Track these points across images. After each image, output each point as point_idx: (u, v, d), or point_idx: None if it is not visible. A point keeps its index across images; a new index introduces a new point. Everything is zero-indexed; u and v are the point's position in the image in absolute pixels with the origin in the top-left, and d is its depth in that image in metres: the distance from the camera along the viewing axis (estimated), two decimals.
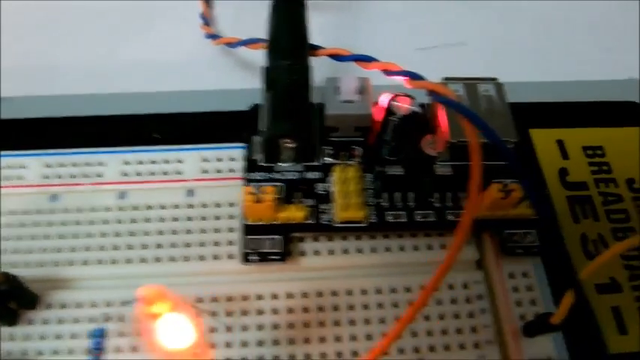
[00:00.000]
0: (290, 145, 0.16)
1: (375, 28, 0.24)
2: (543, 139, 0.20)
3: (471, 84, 0.17)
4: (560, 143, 0.20)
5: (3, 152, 0.18)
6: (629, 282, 0.17)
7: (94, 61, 0.23)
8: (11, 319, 0.15)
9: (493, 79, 0.18)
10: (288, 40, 0.17)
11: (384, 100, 0.16)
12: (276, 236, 0.16)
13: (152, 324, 0.10)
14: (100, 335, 0.15)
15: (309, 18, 0.23)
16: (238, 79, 0.21)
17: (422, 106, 0.17)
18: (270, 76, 0.16)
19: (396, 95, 0.16)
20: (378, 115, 0.16)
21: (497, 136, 0.13)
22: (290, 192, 0.17)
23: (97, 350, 0.15)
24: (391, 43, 0.24)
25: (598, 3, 0.25)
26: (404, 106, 0.16)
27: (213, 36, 0.21)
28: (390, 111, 0.16)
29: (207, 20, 0.23)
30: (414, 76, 0.15)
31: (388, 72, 0.16)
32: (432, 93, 0.14)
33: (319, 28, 0.24)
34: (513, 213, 0.16)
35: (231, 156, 0.18)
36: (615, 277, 0.18)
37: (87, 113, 0.19)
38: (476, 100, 0.17)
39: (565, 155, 0.20)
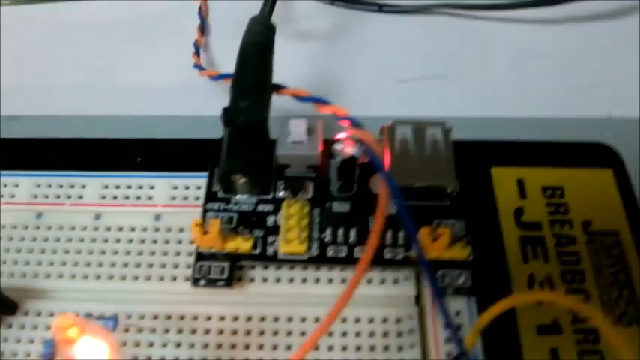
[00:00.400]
0: (243, 180, 0.18)
1: (358, 59, 0.25)
2: (503, 177, 0.21)
3: (419, 127, 0.18)
4: (520, 182, 0.21)
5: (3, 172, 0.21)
6: (572, 325, 0.18)
7: (80, 82, 0.25)
8: None
9: (441, 123, 0.18)
10: (250, 82, 0.18)
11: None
12: (223, 263, 0.18)
13: (70, 349, 0.12)
14: (50, 345, 0.17)
15: (295, 45, 0.24)
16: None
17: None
18: (230, 114, 0.18)
19: (343, 138, 0.17)
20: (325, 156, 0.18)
21: (397, 192, 0.14)
22: (242, 222, 0.18)
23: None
24: (374, 73, 0.25)
25: (577, 36, 0.25)
26: (344, 150, 0.17)
27: (199, 67, 0.23)
28: (331, 154, 0.17)
29: (198, 49, 0.24)
30: (354, 123, 0.17)
31: (336, 116, 0.17)
32: (360, 141, 0.16)
33: (303, 57, 0.25)
34: (446, 255, 0.17)
35: (197, 184, 0.20)
36: (558, 319, 0.18)
37: (71, 134, 0.21)
38: (422, 144, 0.18)
39: (523, 195, 0.20)
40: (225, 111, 0.18)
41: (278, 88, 0.19)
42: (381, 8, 0.26)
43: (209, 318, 0.18)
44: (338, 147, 0.17)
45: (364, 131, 0.16)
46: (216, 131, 0.19)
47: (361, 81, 0.24)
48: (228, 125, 0.18)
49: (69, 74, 0.25)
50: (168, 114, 0.23)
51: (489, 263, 0.19)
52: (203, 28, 0.26)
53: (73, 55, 0.26)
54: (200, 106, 0.23)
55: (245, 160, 0.18)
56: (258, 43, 0.19)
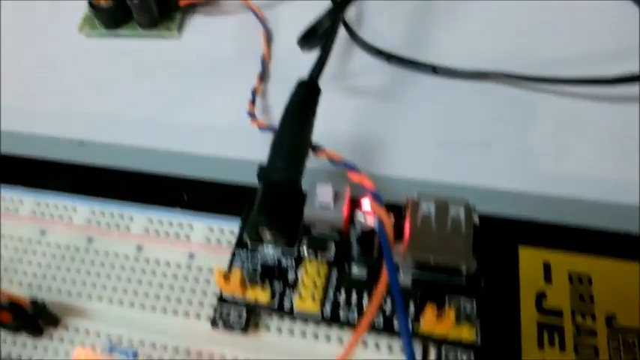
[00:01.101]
0: (269, 233, 0.19)
1: (405, 117, 0.26)
2: (530, 258, 0.21)
3: (442, 204, 0.19)
4: (547, 266, 0.21)
5: (51, 192, 0.23)
6: None
7: (147, 115, 0.27)
8: (36, 332, 0.20)
9: (465, 202, 0.19)
10: (288, 144, 0.19)
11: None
12: (242, 310, 0.19)
13: None
14: None
15: (346, 99, 0.25)
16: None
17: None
18: (265, 173, 0.19)
19: (364, 210, 0.18)
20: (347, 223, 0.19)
21: (394, 275, 0.14)
22: (265, 273, 0.19)
23: None
24: (418, 134, 0.25)
25: (623, 118, 0.24)
26: (365, 221, 0.18)
27: (252, 115, 0.24)
28: (353, 222, 0.18)
29: (254, 96, 0.26)
30: (375, 197, 0.17)
31: (362, 186, 0.18)
32: (376, 216, 0.16)
33: (353, 110, 0.26)
34: (452, 334, 0.18)
35: (232, 229, 0.21)
36: None
37: (129, 164, 0.23)
38: (443, 221, 0.19)
39: (548, 279, 0.20)
40: (262, 169, 0.19)
41: (315, 149, 0.20)
42: (435, 70, 0.27)
43: (223, 358, 0.19)
44: (359, 217, 0.18)
45: (383, 210, 0.17)
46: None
47: (404, 140, 0.25)
48: (262, 182, 0.19)
49: (137, 107, 0.27)
50: (219, 154, 0.25)
51: (501, 345, 0.19)
52: (263, 76, 0.28)
53: (145, 88, 0.28)
54: (249, 150, 0.25)
55: (273, 217, 0.19)
56: (302, 106, 0.20)
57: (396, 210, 0.19)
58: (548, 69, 0.26)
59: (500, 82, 0.27)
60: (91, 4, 0.29)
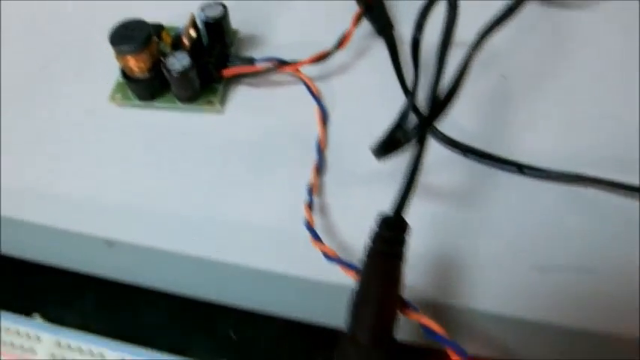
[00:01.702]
0: None
1: (488, 226, 0.22)
2: None
3: None
4: None
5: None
6: None
7: (179, 211, 0.23)
8: None
9: None
10: (372, 311, 0.16)
11: None
12: None
13: None
14: None
15: (419, 199, 0.22)
16: (326, 271, 0.20)
17: None
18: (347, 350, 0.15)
19: None
20: None
21: None
22: None
23: None
24: (503, 251, 0.21)
25: None
26: None
27: (311, 230, 0.20)
28: None
29: (311, 198, 0.22)
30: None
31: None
32: None
33: (425, 212, 0.22)
34: None
35: None
36: None
37: (162, 276, 0.20)
38: None
39: None
40: (344, 348, 0.15)
41: (404, 305, 0.16)
42: (521, 169, 0.23)
43: None
44: None
45: None
46: (318, 304, 0.17)
47: (486, 258, 0.21)
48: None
49: (167, 198, 0.24)
50: (268, 268, 0.21)
51: None
52: (320, 166, 0.24)
53: (179, 173, 0.24)
54: (305, 266, 0.21)
55: None
56: (388, 253, 0.16)
57: None
58: None
59: (598, 189, 0.23)
60: (125, 74, 0.26)
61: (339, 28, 0.27)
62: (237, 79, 0.27)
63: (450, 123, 0.24)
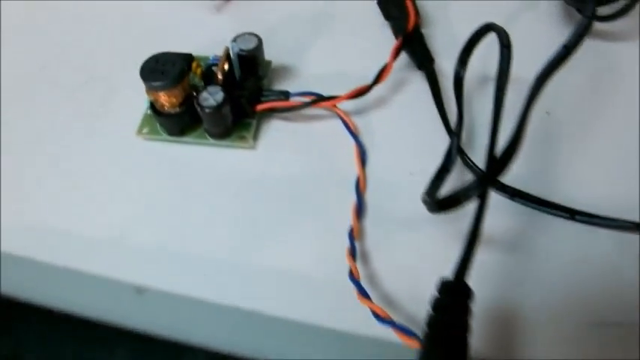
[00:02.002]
0: None
1: (539, 277, 0.21)
2: None
3: None
4: None
5: None
6: None
7: (213, 256, 0.22)
8: None
9: None
10: None
11: None
12: None
13: None
14: None
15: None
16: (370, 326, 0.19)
17: None
18: None
19: None
20: None
21: None
22: None
23: None
24: (559, 307, 0.20)
25: None
26: None
27: (356, 282, 0.19)
28: None
29: (353, 245, 0.21)
30: None
31: None
32: None
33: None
34: None
35: None
36: None
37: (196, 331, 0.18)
38: None
39: None
40: None
41: None
42: (573, 215, 0.22)
43: None
44: None
45: None
46: None
47: (538, 311, 0.20)
48: None
49: (198, 241, 0.23)
50: (309, 321, 0.20)
51: None
52: (360, 209, 0.23)
53: (210, 213, 0.23)
54: (348, 319, 0.20)
55: None
56: (451, 326, 0.15)
57: None
58: None
59: None
60: (154, 109, 0.24)
61: (376, 59, 0.26)
62: (270, 112, 0.26)
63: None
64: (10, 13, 0.32)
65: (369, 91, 0.25)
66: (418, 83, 0.27)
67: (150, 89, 0.23)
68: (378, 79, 0.25)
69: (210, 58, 0.27)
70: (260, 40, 0.25)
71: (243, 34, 0.25)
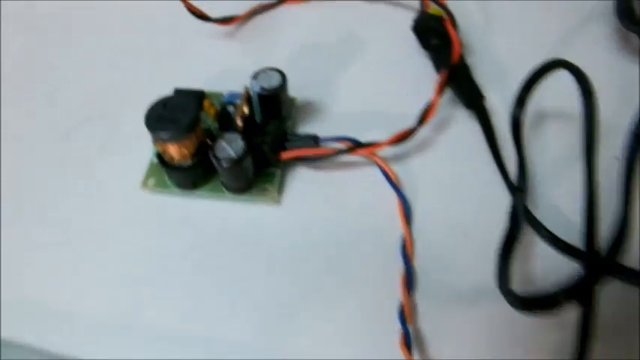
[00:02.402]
0: None
1: None
2: None
3: None
4: None
5: None
6: None
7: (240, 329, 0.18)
8: None
9: None
10: None
11: None
12: None
13: None
14: None
15: None
16: None
17: None
18: None
19: None
20: None
21: None
22: None
23: None
24: None
25: None
26: None
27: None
28: None
29: (407, 328, 0.17)
30: None
31: None
32: None
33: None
34: None
35: None
36: None
37: None
38: None
39: None
40: None
41: None
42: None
43: None
44: None
45: None
46: None
47: None
48: None
49: (216, 319, 0.19)
50: None
51: None
52: (410, 280, 0.19)
53: (230, 281, 0.20)
54: None
55: None
56: None
57: None
58: None
59: None
60: (162, 161, 0.21)
61: (414, 93, 0.22)
62: (297, 161, 0.22)
63: (556, 216, 0.20)
64: None
65: (412, 134, 0.21)
66: (465, 122, 0.23)
67: (157, 140, 0.20)
68: (422, 119, 0.22)
69: (224, 95, 0.23)
70: (284, 77, 0.22)
71: (265, 70, 0.22)
